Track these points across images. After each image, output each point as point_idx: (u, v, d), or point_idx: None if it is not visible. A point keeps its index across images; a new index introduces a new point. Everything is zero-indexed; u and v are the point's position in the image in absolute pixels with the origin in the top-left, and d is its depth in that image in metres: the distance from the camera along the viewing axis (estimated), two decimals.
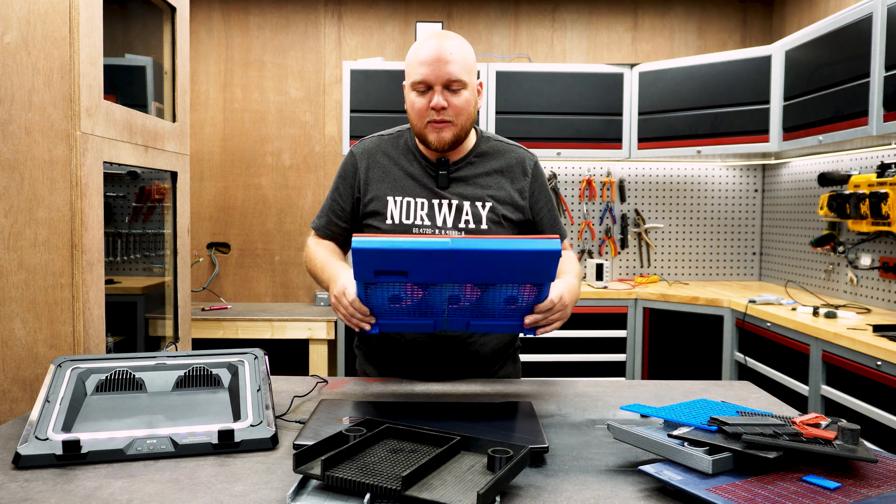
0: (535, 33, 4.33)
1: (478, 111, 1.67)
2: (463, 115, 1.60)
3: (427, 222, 1.65)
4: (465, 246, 1.22)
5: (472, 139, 1.71)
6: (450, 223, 1.65)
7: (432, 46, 1.56)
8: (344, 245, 1.78)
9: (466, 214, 1.65)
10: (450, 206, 1.65)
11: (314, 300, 4.21)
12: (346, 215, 1.73)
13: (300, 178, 4.31)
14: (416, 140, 1.69)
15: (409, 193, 1.66)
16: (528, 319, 1.38)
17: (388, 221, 1.65)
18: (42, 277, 1.79)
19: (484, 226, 1.65)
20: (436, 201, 1.65)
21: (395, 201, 1.66)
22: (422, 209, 1.65)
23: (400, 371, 1.72)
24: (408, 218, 1.65)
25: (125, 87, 2.39)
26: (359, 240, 1.22)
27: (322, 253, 1.68)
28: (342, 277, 1.46)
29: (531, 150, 1.79)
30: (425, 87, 1.58)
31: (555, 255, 1.24)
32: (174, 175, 2.45)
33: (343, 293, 1.40)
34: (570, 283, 1.52)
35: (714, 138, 3.64)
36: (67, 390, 1.24)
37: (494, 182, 1.69)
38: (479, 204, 1.65)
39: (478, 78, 1.65)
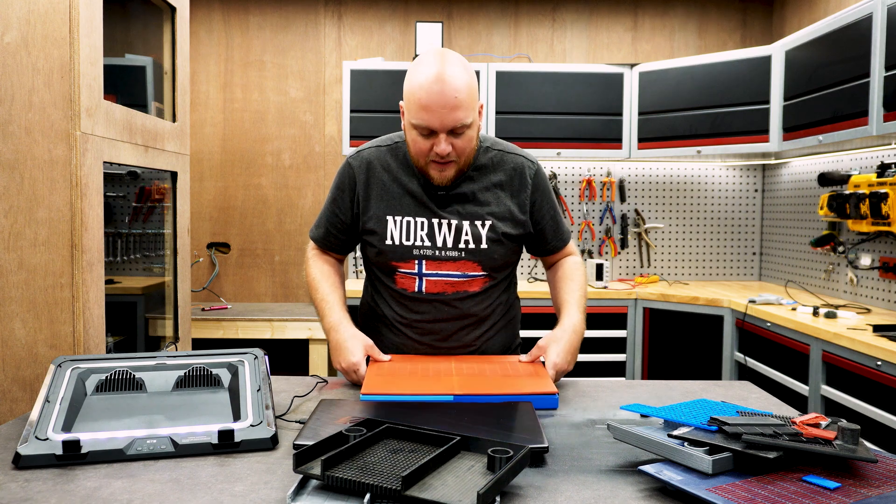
0: (535, 33, 4.33)
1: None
2: (466, 151, 1.57)
3: (427, 243, 1.63)
4: (468, 400, 1.36)
5: None
6: (450, 243, 1.63)
7: (435, 88, 1.46)
8: (344, 254, 1.80)
9: (466, 234, 1.63)
10: (449, 226, 1.63)
11: None
12: (345, 227, 1.72)
13: (300, 178, 4.31)
14: None
15: (409, 213, 1.64)
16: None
17: (388, 241, 1.64)
18: (42, 277, 1.79)
19: (484, 245, 1.64)
20: (435, 221, 1.64)
21: (395, 221, 1.64)
22: (422, 229, 1.64)
23: None
24: (408, 239, 1.64)
25: (125, 87, 2.39)
26: (366, 396, 1.39)
27: (324, 285, 1.70)
28: (348, 342, 1.58)
29: (531, 155, 1.74)
30: (428, 132, 1.52)
31: (552, 401, 1.40)
32: (174, 175, 2.45)
33: (355, 370, 1.55)
34: (572, 324, 1.63)
35: (714, 138, 3.63)
36: (67, 390, 1.24)
37: (494, 197, 1.66)
38: (478, 223, 1.64)
39: (478, 97, 1.59)
